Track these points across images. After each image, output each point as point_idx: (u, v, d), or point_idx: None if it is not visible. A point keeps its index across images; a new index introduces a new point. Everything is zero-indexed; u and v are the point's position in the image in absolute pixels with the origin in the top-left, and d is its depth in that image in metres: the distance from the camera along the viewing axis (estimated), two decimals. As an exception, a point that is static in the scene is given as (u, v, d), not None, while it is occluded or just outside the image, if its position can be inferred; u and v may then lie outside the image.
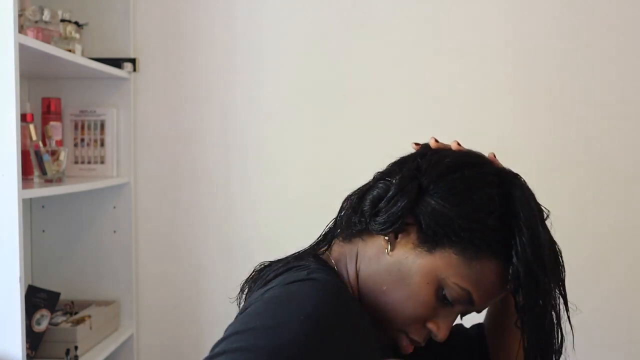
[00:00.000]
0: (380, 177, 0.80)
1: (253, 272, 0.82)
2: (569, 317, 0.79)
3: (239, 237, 1.98)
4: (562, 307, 0.77)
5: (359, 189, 0.81)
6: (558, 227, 0.81)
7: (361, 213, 0.78)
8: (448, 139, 0.82)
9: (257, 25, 1.97)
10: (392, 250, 0.76)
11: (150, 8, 1.97)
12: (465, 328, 0.96)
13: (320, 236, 0.85)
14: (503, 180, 0.77)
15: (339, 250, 0.81)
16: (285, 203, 1.92)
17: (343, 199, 0.83)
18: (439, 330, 0.77)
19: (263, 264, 0.82)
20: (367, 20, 1.95)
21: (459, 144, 0.83)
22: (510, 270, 0.72)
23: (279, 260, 0.81)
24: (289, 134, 1.97)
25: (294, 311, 0.64)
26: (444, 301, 0.75)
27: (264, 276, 0.78)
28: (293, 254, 0.83)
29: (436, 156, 0.79)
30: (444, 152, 0.80)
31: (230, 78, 1.98)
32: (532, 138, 1.92)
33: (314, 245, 0.84)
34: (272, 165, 1.97)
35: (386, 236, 0.76)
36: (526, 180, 0.79)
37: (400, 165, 0.80)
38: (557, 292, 0.76)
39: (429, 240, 0.74)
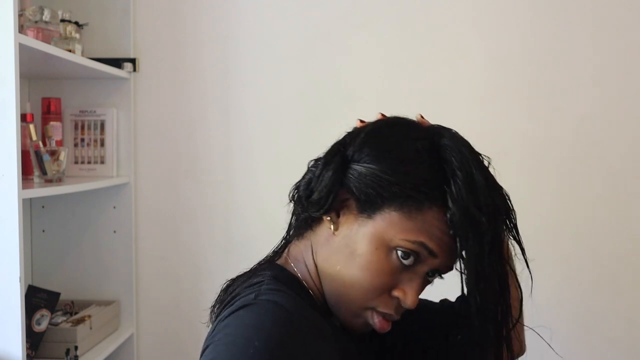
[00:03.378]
0: (311, 163, 0.81)
1: (220, 291, 0.82)
2: (527, 263, 0.79)
3: (239, 237, 1.98)
4: (515, 252, 0.77)
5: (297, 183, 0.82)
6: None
7: (299, 201, 0.79)
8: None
9: (257, 25, 1.98)
10: (337, 229, 0.76)
11: (150, 8, 1.98)
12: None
13: (278, 242, 0.85)
14: (430, 133, 0.77)
15: (296, 250, 0.81)
16: (286, 203, 1.92)
17: None
18: (406, 296, 0.74)
19: (227, 282, 0.82)
20: (368, 20, 1.95)
21: (383, 115, 0.84)
22: (448, 215, 0.71)
23: (240, 276, 0.81)
24: (290, 134, 1.97)
25: (244, 349, 0.64)
26: (402, 264, 0.73)
27: (228, 295, 0.78)
28: (254, 266, 0.83)
29: (358, 129, 0.80)
30: (366, 124, 0.82)
31: (231, 78, 1.98)
32: (533, 138, 1.92)
33: (272, 254, 0.85)
34: (273, 165, 1.97)
35: (328, 217, 0.76)
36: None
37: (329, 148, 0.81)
38: (509, 236, 0.75)
39: (367, 207, 0.74)
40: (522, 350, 0.95)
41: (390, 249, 0.73)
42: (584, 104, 1.92)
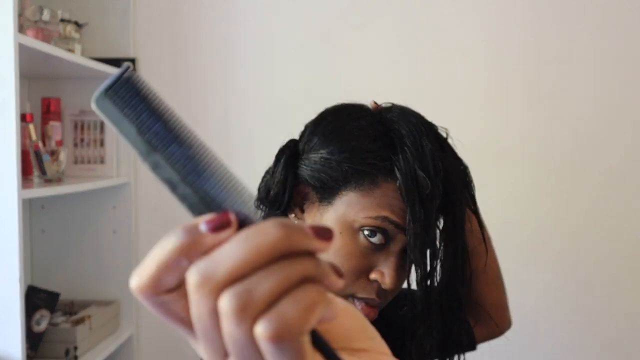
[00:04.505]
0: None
1: None
2: (483, 235, 0.79)
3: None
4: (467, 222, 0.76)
5: None
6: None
7: (261, 203, 0.78)
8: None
9: (257, 25, 1.98)
10: None
11: (150, 8, 1.97)
12: None
13: None
14: (378, 111, 0.77)
15: None
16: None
17: None
18: (383, 277, 0.71)
19: None
20: (368, 20, 1.95)
21: (375, 102, 0.83)
22: (398, 184, 0.70)
23: None
24: (290, 134, 1.97)
25: None
26: (372, 244, 0.71)
27: None
28: None
29: (307, 123, 0.82)
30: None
31: (230, 78, 1.98)
32: (534, 137, 1.92)
33: None
34: (272, 165, 1.97)
35: (292, 214, 0.76)
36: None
37: None
38: (464, 206, 0.75)
39: (325, 194, 0.73)
40: (503, 325, 0.94)
41: (355, 230, 0.71)
42: (584, 104, 1.92)
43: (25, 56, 1.37)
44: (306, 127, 0.80)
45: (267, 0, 1.98)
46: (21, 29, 1.48)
